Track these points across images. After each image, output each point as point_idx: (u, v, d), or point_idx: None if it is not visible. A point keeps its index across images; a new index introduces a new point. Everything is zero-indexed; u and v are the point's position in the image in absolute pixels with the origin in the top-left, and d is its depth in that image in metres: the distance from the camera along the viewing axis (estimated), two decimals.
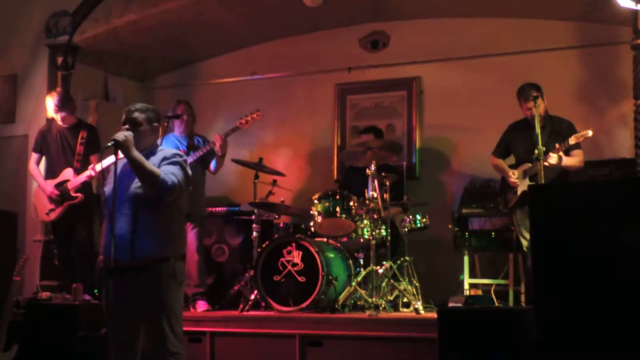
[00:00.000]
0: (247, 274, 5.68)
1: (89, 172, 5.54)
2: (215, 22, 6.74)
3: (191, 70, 7.70)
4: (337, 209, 5.38)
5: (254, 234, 5.78)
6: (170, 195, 3.54)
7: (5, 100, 6.83)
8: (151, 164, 3.57)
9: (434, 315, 4.22)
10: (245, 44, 7.41)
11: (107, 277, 3.52)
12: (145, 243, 3.51)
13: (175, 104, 5.90)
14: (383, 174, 5.49)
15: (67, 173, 5.69)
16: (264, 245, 5.44)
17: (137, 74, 7.67)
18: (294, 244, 5.30)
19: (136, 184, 3.56)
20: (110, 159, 5.36)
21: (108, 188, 3.66)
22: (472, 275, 5.98)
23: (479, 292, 5.86)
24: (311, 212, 5.53)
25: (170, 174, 3.53)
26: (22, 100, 6.79)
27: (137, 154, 3.50)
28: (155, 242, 3.53)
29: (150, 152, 3.68)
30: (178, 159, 3.64)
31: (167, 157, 3.62)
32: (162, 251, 3.55)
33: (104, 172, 3.87)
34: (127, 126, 3.57)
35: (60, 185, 5.68)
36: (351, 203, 5.40)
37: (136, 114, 3.66)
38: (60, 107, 5.70)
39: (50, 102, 5.75)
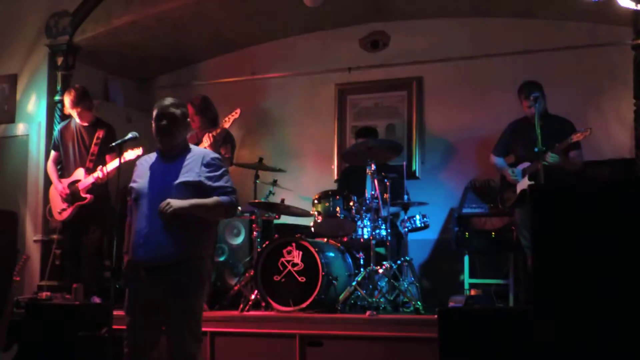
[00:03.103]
0: (247, 274, 5.68)
1: (97, 174, 5.56)
2: (215, 22, 6.74)
3: (191, 70, 7.70)
4: (337, 209, 5.38)
5: (254, 234, 5.78)
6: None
7: (5, 100, 6.84)
8: (188, 164, 3.59)
9: (434, 315, 4.22)
10: (245, 44, 7.41)
11: (134, 278, 3.53)
12: (171, 244, 3.49)
13: None
14: (383, 173, 5.49)
15: (79, 173, 5.71)
16: (264, 245, 5.44)
17: (137, 74, 7.67)
18: (294, 244, 5.29)
19: (169, 184, 3.55)
20: (113, 164, 5.39)
21: (135, 185, 3.64)
22: (472, 275, 5.98)
23: (479, 292, 5.86)
24: (311, 212, 5.53)
25: (228, 191, 3.62)
26: (22, 100, 6.80)
27: (192, 202, 3.50)
28: (181, 243, 3.50)
29: (183, 149, 3.67)
30: (221, 169, 3.65)
31: (208, 164, 3.62)
32: (188, 251, 3.53)
33: (128, 169, 3.86)
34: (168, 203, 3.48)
35: (72, 185, 5.69)
36: (351, 203, 5.40)
37: (172, 109, 3.64)
38: (76, 103, 5.73)
39: (67, 99, 5.79)
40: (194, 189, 3.55)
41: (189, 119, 3.75)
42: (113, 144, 3.71)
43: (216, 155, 3.75)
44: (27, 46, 6.81)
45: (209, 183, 3.58)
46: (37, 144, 6.59)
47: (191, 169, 3.59)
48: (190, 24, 6.68)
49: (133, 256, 3.55)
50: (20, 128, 6.78)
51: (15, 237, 6.31)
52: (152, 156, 3.73)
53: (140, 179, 3.64)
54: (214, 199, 3.57)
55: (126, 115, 7.09)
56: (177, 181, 3.55)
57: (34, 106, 6.73)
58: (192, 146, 3.75)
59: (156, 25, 6.59)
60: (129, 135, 3.83)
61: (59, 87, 6.50)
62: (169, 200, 3.46)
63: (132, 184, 3.68)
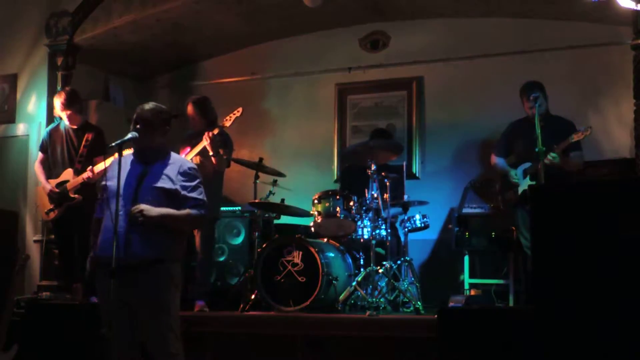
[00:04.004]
0: (247, 274, 5.68)
1: (87, 174, 5.55)
2: (215, 22, 6.74)
3: (191, 70, 7.70)
4: (337, 209, 5.39)
5: (254, 234, 5.77)
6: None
7: (5, 100, 6.84)
8: (166, 170, 3.62)
9: (434, 315, 4.22)
10: (245, 44, 7.41)
11: (105, 277, 3.50)
12: (142, 244, 3.50)
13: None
14: (383, 174, 5.49)
15: (67, 173, 5.70)
16: (264, 245, 5.44)
17: (137, 74, 7.67)
18: (294, 244, 5.29)
19: (144, 187, 3.57)
20: (109, 161, 5.38)
21: (111, 183, 3.64)
22: (472, 275, 5.98)
23: (479, 292, 5.86)
24: (311, 212, 5.53)
25: (199, 204, 3.64)
26: (22, 100, 6.80)
27: (163, 213, 3.54)
28: (152, 244, 3.52)
29: (160, 155, 3.69)
30: (196, 180, 3.69)
31: (184, 173, 3.65)
32: (158, 253, 3.54)
33: (107, 168, 3.87)
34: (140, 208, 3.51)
35: (60, 185, 5.69)
36: (351, 203, 5.40)
37: (148, 114, 3.68)
38: (66, 106, 5.71)
39: (57, 101, 5.77)
40: (169, 196, 3.60)
41: (167, 127, 3.76)
42: (113, 144, 3.70)
43: (192, 165, 3.79)
44: (27, 46, 6.81)
45: (184, 192, 3.62)
46: (37, 144, 6.57)
47: (168, 176, 3.62)
48: (190, 24, 6.68)
49: (103, 254, 3.52)
50: (20, 128, 6.78)
51: (15, 237, 6.32)
52: (127, 157, 3.74)
53: (115, 178, 3.59)
54: (185, 212, 3.61)
55: (126, 116, 7.07)
56: (155, 185, 3.59)
57: (34, 106, 6.74)
58: (173, 154, 3.79)
59: (156, 25, 6.59)
60: (129, 136, 3.81)
61: (59, 87, 6.48)
62: (142, 207, 3.49)
63: (106, 182, 3.68)
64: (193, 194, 3.65)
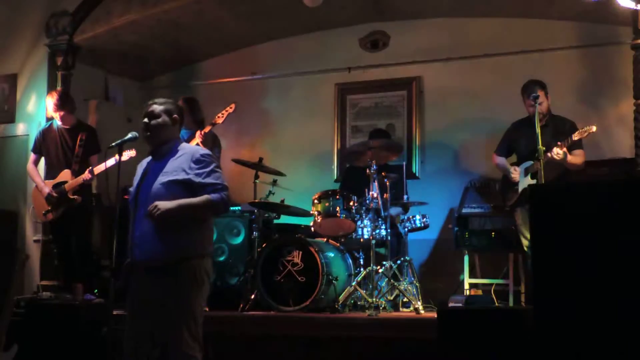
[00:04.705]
0: (247, 274, 5.68)
1: (86, 175, 5.54)
2: (215, 22, 6.74)
3: (191, 70, 7.71)
4: (337, 209, 5.39)
5: (254, 234, 5.78)
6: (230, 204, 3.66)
7: (5, 100, 6.84)
8: (177, 161, 3.55)
9: (434, 315, 4.22)
10: (245, 44, 7.41)
11: (135, 278, 3.52)
12: (161, 243, 3.46)
13: None
14: (383, 174, 5.49)
15: (65, 174, 5.70)
16: (264, 245, 5.44)
17: (137, 74, 7.67)
18: (294, 244, 5.30)
19: (157, 183, 3.52)
20: (110, 161, 5.40)
21: (133, 187, 3.64)
22: (472, 275, 5.98)
23: (479, 292, 5.87)
24: (311, 212, 5.53)
25: (218, 188, 3.52)
26: (22, 100, 6.80)
27: (180, 203, 3.44)
28: (171, 243, 3.46)
29: (173, 146, 3.63)
30: (211, 165, 3.56)
31: (197, 160, 3.54)
32: (180, 251, 3.48)
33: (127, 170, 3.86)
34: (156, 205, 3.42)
35: (58, 187, 5.68)
36: (351, 203, 5.40)
37: (154, 106, 3.62)
38: (59, 106, 5.72)
39: (50, 101, 5.79)
40: (183, 187, 3.50)
41: (175, 116, 3.66)
42: (113, 144, 3.70)
43: (206, 151, 3.68)
44: (27, 46, 6.81)
45: (199, 180, 3.51)
46: None
47: (180, 167, 3.54)
48: (190, 24, 6.68)
49: (130, 256, 3.54)
50: (20, 128, 6.78)
51: (15, 237, 6.32)
52: (149, 157, 3.73)
53: (136, 181, 3.64)
54: (203, 198, 3.49)
55: (126, 115, 7.08)
56: (165, 180, 3.50)
57: (34, 106, 6.74)
58: (183, 144, 3.71)
59: (156, 25, 6.59)
60: (129, 135, 3.81)
61: (58, 87, 6.49)
62: (156, 203, 3.41)
63: (130, 188, 3.68)
64: (209, 179, 3.52)
